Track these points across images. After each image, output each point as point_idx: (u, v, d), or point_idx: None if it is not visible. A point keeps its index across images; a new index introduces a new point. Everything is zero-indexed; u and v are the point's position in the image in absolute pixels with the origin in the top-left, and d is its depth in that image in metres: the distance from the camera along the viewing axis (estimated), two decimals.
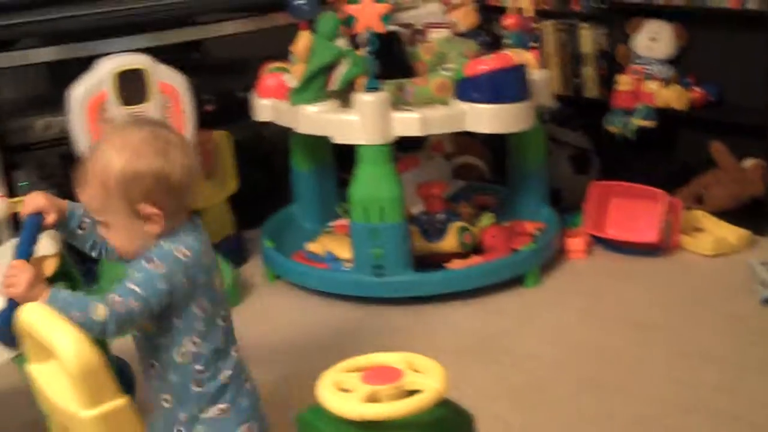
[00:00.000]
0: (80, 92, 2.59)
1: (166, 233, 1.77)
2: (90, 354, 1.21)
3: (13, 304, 1.70)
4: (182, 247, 1.75)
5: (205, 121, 2.92)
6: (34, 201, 1.85)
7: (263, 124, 3.11)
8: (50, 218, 1.84)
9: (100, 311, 1.65)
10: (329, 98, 2.72)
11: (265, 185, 3.34)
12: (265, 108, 2.90)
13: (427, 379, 1.52)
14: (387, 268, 2.68)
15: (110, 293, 1.69)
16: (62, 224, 1.88)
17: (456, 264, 2.80)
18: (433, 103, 2.71)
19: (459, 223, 2.85)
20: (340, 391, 1.53)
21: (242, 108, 3.18)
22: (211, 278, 1.79)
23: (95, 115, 2.60)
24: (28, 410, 2.25)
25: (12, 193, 2.85)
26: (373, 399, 1.50)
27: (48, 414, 1.38)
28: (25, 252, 1.76)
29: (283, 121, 2.85)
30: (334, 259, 2.86)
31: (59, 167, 3.40)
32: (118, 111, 2.61)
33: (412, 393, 1.52)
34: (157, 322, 1.76)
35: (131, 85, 2.63)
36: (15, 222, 2.84)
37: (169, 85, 2.68)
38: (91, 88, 2.60)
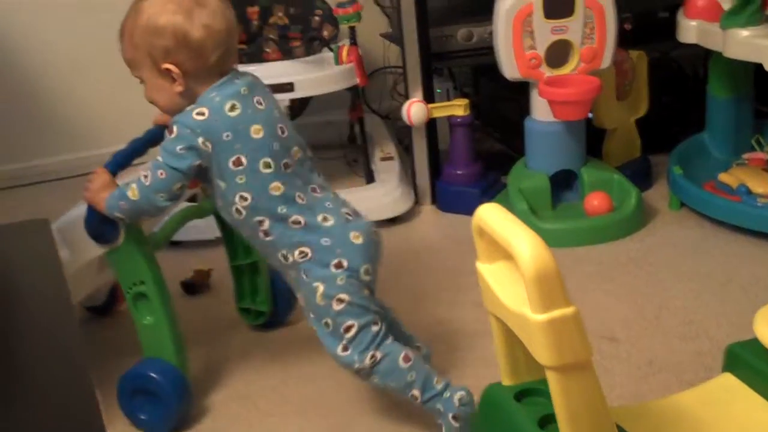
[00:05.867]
0: (509, 3, 2.62)
1: (195, 95, 1.76)
2: (547, 259, 1.23)
3: (91, 206, 1.86)
4: (200, 107, 1.73)
5: (622, 40, 2.86)
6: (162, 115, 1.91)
7: (675, 46, 3.00)
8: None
9: (133, 192, 1.76)
10: (765, 22, 2.56)
11: (676, 110, 3.24)
12: (691, 29, 2.77)
13: None
14: None
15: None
16: None
17: None
18: None
19: None
20: None
21: (659, 28, 3.09)
22: (242, 130, 1.73)
23: (520, 27, 2.63)
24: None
25: (430, 99, 2.95)
26: None
27: (492, 312, 1.43)
28: (113, 162, 1.86)
29: (709, 44, 2.72)
30: (748, 192, 2.73)
31: (472, 77, 3.50)
32: (542, 24, 2.62)
33: None
34: (207, 186, 1.81)
35: None
36: (429, 126, 2.96)
37: (596, 0, 2.64)
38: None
